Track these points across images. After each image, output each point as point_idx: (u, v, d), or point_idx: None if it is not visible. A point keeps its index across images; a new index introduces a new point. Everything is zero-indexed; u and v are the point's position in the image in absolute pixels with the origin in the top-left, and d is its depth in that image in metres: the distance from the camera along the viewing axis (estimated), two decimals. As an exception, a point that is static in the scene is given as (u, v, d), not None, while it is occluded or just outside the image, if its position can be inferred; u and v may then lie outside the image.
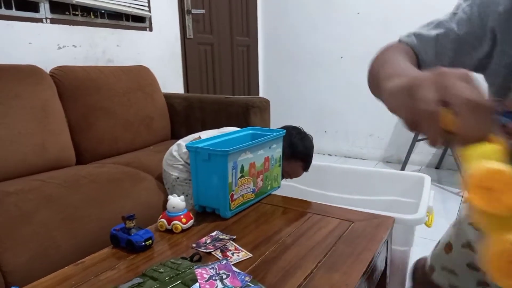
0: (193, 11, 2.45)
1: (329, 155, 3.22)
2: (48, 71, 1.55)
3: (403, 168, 2.60)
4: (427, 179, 1.28)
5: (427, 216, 1.03)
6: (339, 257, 0.71)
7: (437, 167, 2.78)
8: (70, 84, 1.55)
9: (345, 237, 0.79)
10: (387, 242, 0.85)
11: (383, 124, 2.94)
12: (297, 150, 1.26)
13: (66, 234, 0.96)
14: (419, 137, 2.48)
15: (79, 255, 0.88)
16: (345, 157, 3.16)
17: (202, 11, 2.51)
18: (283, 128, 1.28)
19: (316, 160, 1.34)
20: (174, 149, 1.31)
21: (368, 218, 0.89)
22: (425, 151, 2.80)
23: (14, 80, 1.36)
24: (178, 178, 1.26)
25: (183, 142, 1.29)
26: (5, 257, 0.86)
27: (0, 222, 0.93)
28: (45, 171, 1.35)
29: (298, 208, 0.95)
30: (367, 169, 1.57)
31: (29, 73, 1.44)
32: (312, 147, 1.32)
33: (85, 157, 1.56)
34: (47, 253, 0.91)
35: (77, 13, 1.85)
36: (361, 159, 3.09)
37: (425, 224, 1.03)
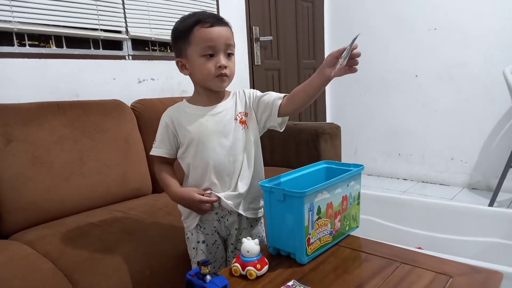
0: (261, 38, 2.49)
1: (404, 179, 2.99)
2: (129, 104, 1.66)
3: (494, 196, 2.30)
4: None
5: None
6: (439, 324, 0.61)
7: (537, 196, 2.42)
8: (148, 116, 1.64)
9: (444, 297, 0.69)
10: (496, 305, 0.72)
11: (467, 146, 2.66)
12: None
13: (145, 269, 0.98)
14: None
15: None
16: (423, 182, 2.90)
17: (269, 38, 2.54)
18: None
19: (391, 186, 1.21)
20: None
21: (470, 272, 0.76)
22: (521, 177, 2.45)
23: (101, 114, 1.48)
24: None
25: None
26: (89, 289, 0.89)
27: (85, 254, 0.98)
28: (125, 199, 1.43)
29: (383, 255, 0.86)
30: (453, 204, 1.39)
31: (113, 107, 1.55)
32: None
33: (160, 186, 1.62)
34: (127, 288, 0.93)
35: (155, 48, 1.99)
36: (441, 184, 2.81)
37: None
